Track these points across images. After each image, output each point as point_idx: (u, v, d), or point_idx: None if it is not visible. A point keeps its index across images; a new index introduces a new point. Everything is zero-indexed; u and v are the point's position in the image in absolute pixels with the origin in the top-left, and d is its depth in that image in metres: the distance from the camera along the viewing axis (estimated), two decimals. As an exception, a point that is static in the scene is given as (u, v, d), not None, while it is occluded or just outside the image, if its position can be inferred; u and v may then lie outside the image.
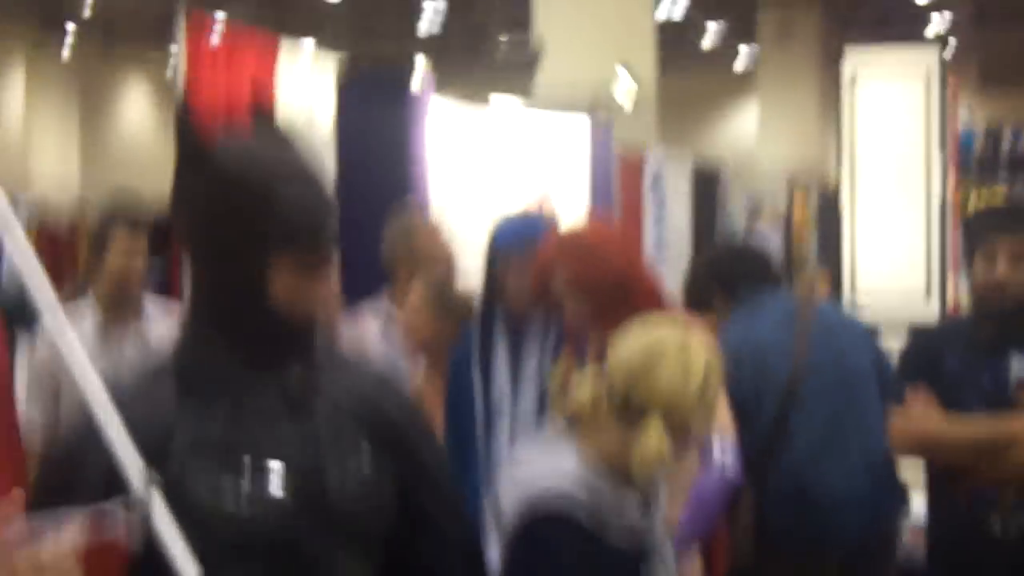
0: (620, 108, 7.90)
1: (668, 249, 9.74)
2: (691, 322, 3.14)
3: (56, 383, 4.63)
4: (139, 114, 33.57)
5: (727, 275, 4.50)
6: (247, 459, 2.16)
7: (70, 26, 27.39)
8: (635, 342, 2.87)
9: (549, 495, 2.73)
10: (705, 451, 3.42)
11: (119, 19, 30.01)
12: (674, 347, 2.82)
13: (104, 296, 4.82)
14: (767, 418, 4.07)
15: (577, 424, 2.86)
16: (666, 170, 9.88)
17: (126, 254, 4.76)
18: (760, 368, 4.05)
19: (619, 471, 2.76)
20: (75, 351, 2.06)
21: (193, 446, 2.14)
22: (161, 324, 4.71)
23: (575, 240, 3.81)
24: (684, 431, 2.77)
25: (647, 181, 9.30)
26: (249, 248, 2.18)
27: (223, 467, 2.14)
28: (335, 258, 2.25)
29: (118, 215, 4.81)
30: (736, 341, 3.93)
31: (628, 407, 2.77)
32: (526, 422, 4.30)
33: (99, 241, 4.84)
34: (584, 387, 2.87)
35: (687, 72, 29.77)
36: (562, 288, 3.67)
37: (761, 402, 4.07)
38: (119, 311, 4.79)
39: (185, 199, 2.24)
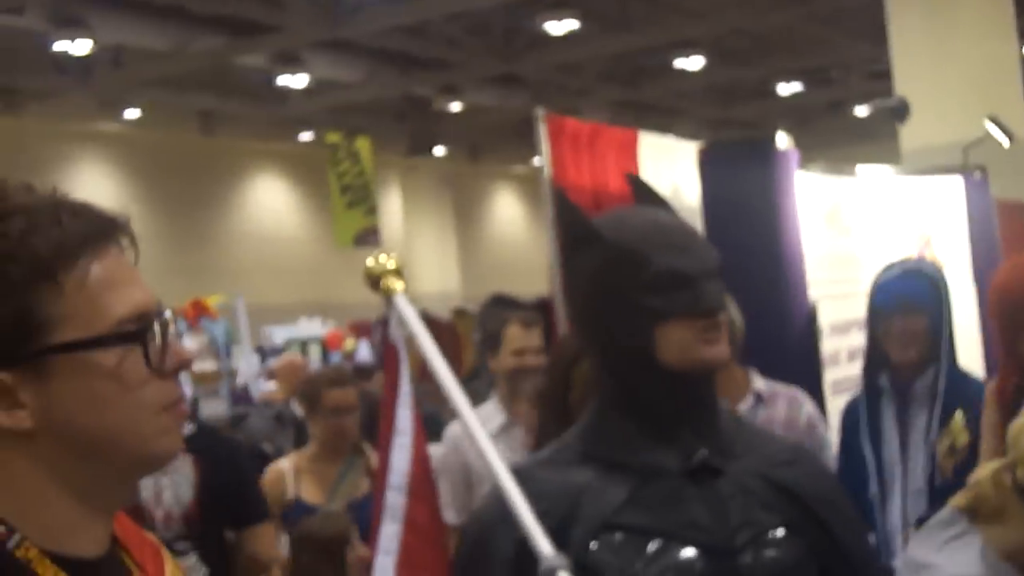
0: (994, 163, 7.62)
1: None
2: None
3: (468, 478, 4.74)
4: (509, 220, 34.63)
5: None
6: (656, 543, 2.12)
7: (438, 150, 28.52)
8: None
9: None
10: None
11: (483, 137, 31.13)
12: None
13: (505, 396, 4.92)
14: None
15: (978, 511, 2.40)
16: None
17: (522, 351, 4.86)
18: None
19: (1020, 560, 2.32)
20: (481, 435, 2.13)
21: (602, 530, 2.12)
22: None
23: None
24: None
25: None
26: (634, 315, 2.17)
27: (632, 552, 2.11)
28: (724, 319, 2.21)
29: (510, 313, 4.92)
30: None
31: None
32: (917, 492, 4.17)
33: (493, 339, 4.95)
34: (985, 466, 2.49)
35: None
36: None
37: None
38: (521, 409, 4.87)
39: (575, 280, 2.27)
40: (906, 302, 4.25)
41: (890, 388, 4.38)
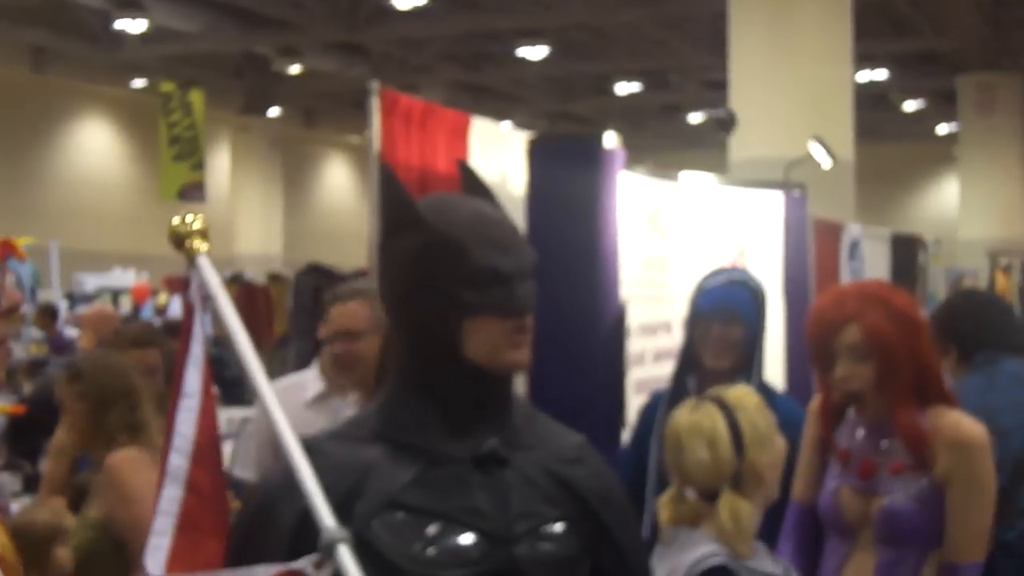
0: (815, 182, 7.82)
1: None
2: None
3: (275, 443, 4.72)
4: (338, 188, 34.45)
5: (964, 333, 4.43)
6: (436, 526, 2.15)
7: (273, 111, 28.23)
8: (666, 438, 3.17)
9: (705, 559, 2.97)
10: None
11: (319, 103, 30.90)
12: (684, 425, 3.11)
13: (325, 366, 4.92)
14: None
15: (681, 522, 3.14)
16: (864, 245, 9.73)
17: (347, 328, 4.85)
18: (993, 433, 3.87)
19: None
20: (274, 406, 2.15)
21: (385, 508, 2.14)
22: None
23: (880, 294, 3.58)
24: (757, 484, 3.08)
25: (844, 252, 9.18)
26: (445, 306, 2.19)
27: (412, 532, 2.13)
28: (531, 322, 2.24)
29: (339, 290, 4.91)
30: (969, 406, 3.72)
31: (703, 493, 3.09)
32: None
33: (323, 310, 4.94)
34: (665, 495, 3.19)
35: (885, 140, 29.45)
36: (852, 345, 3.49)
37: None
38: (341, 380, 4.88)
39: (391, 260, 2.27)
40: (727, 310, 4.33)
41: (696, 392, 4.47)
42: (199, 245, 2.45)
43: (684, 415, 3.13)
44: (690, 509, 3.08)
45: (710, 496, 3.05)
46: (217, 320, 2.58)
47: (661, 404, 4.52)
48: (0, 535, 1.77)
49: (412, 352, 2.25)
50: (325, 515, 1.99)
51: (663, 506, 3.14)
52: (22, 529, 3.94)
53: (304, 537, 2.04)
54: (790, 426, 3.47)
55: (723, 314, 4.34)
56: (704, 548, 2.98)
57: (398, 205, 2.25)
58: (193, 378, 2.52)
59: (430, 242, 2.19)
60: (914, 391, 3.40)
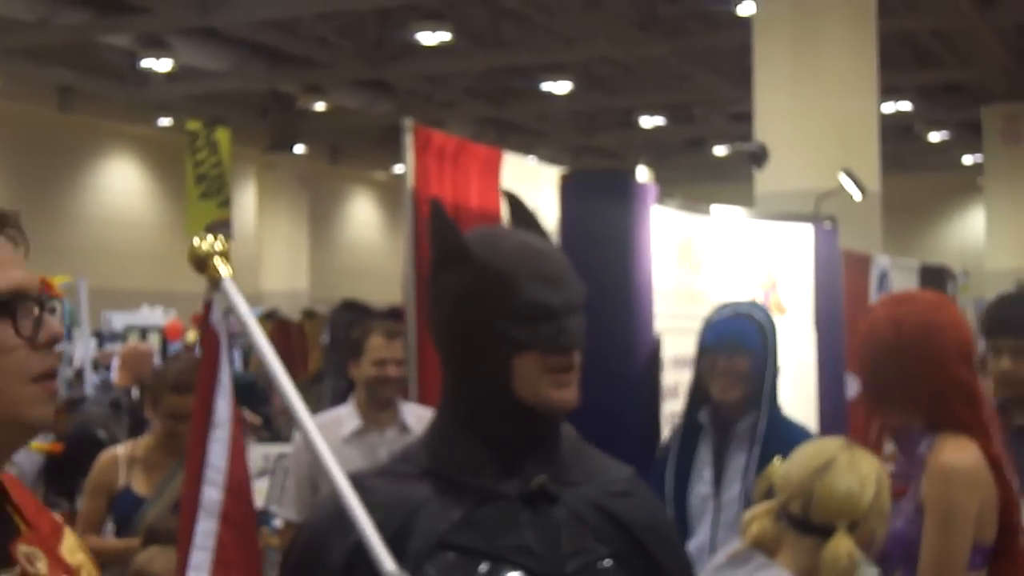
0: (842, 214, 7.81)
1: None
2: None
3: (314, 478, 4.77)
4: (364, 224, 34.53)
5: None
6: (487, 566, 2.12)
7: (298, 147, 28.32)
8: (801, 456, 3.07)
9: None
10: None
11: (345, 139, 31.00)
12: (843, 457, 3.00)
13: (363, 403, 4.98)
14: None
15: (762, 545, 3.02)
16: (892, 276, 9.72)
17: (383, 362, 4.94)
18: None
19: None
20: (319, 441, 2.13)
21: (434, 547, 2.11)
22: (419, 429, 4.83)
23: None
24: (870, 538, 2.98)
25: (873, 283, 9.17)
26: (494, 342, 2.17)
27: (463, 573, 2.11)
28: (579, 357, 2.21)
29: (373, 322, 4.98)
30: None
31: (809, 521, 2.96)
32: (728, 525, 4.26)
33: (355, 347, 5.01)
34: (757, 507, 3.10)
35: (910, 170, 29.41)
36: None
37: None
38: (377, 417, 4.95)
39: (440, 295, 2.24)
40: (733, 342, 4.35)
41: (710, 425, 4.49)
42: (223, 268, 2.36)
43: (841, 447, 3.06)
44: (778, 531, 2.99)
45: (810, 527, 2.94)
46: (254, 352, 2.54)
47: (673, 439, 4.55)
48: (77, 552, 1.80)
49: (461, 387, 2.23)
50: (384, 557, 1.96)
51: (755, 517, 3.06)
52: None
53: (355, 575, 2.03)
54: None
55: (728, 346, 4.36)
56: None
57: (446, 239, 2.23)
58: (223, 407, 2.47)
59: (479, 277, 2.17)
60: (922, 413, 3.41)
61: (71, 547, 1.78)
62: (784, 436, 4.26)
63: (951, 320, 3.49)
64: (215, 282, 2.36)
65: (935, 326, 3.42)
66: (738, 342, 4.36)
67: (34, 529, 1.73)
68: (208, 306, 2.49)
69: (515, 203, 2.40)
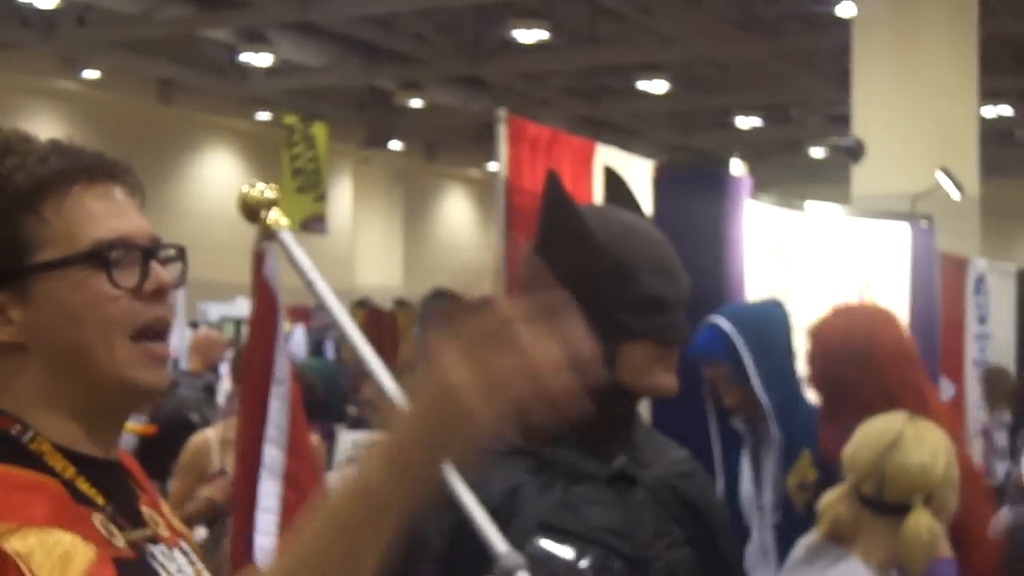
0: (940, 217, 7.71)
1: (988, 363, 9.40)
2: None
3: None
4: (457, 221, 34.63)
5: None
6: (578, 546, 2.11)
7: (394, 144, 28.47)
8: (867, 436, 3.02)
9: None
10: None
11: (440, 136, 31.12)
12: (910, 431, 2.96)
13: None
14: None
15: (839, 534, 2.96)
16: (989, 279, 9.57)
17: None
18: None
19: (893, 565, 2.86)
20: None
21: (535, 530, 2.10)
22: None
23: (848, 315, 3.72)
24: (945, 510, 2.93)
25: (969, 287, 9.03)
26: (604, 327, 2.06)
27: (558, 555, 2.10)
28: (678, 352, 2.20)
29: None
30: None
31: (883, 500, 2.89)
32: (770, 526, 4.24)
33: None
34: (830, 493, 3.03)
35: (1009, 175, 28.99)
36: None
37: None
38: None
39: (550, 270, 2.15)
40: (703, 353, 4.31)
41: (746, 430, 4.47)
42: (279, 218, 2.20)
43: (906, 422, 3.03)
44: (853, 514, 2.93)
45: (885, 506, 2.90)
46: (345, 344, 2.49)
47: (715, 443, 4.53)
48: (173, 518, 1.80)
49: None
50: (497, 540, 1.84)
51: (829, 506, 3.00)
52: None
53: (455, 557, 2.02)
54: None
55: (702, 357, 4.32)
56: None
57: (565, 216, 2.18)
58: (282, 364, 2.41)
59: (597, 262, 2.13)
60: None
61: (169, 513, 1.78)
62: (812, 427, 4.22)
63: (891, 325, 3.73)
64: (269, 233, 2.22)
65: (878, 332, 3.58)
66: (705, 352, 4.31)
67: (146, 493, 1.73)
68: (260, 257, 2.41)
69: (615, 180, 2.37)
